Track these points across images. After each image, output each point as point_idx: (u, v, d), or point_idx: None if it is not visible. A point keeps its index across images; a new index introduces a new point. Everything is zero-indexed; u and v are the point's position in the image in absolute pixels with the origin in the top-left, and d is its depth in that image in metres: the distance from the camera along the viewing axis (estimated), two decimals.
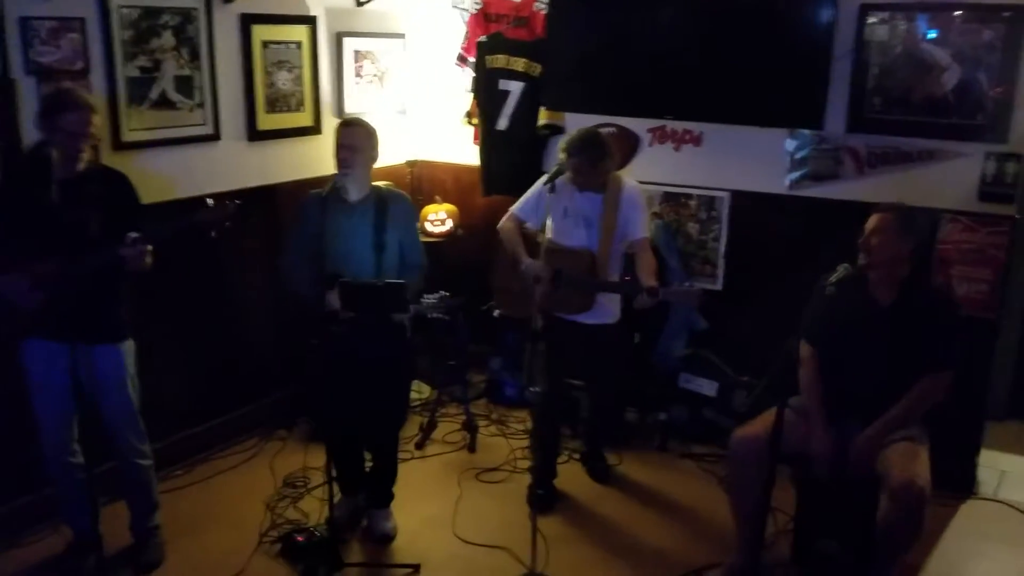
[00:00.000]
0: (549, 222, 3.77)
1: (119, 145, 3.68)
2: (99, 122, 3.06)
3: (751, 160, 4.31)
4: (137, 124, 3.75)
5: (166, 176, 3.88)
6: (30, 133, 3.33)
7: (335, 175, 3.34)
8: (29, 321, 3.01)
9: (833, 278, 2.91)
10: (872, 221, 3.12)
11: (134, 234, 2.96)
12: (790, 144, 4.19)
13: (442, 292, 3.30)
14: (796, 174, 4.20)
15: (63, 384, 3.05)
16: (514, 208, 3.95)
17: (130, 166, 3.61)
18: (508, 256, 3.89)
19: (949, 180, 3.88)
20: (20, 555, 3.43)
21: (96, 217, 2.96)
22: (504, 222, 3.95)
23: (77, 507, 3.27)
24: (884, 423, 3.09)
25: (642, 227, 3.75)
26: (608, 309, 3.82)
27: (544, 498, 3.81)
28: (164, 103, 3.85)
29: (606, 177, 3.73)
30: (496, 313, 4.89)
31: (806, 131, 4.13)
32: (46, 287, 2.96)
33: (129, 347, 3.26)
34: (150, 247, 2.99)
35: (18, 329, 3.04)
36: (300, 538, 3.46)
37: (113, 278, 3.10)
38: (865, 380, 3.15)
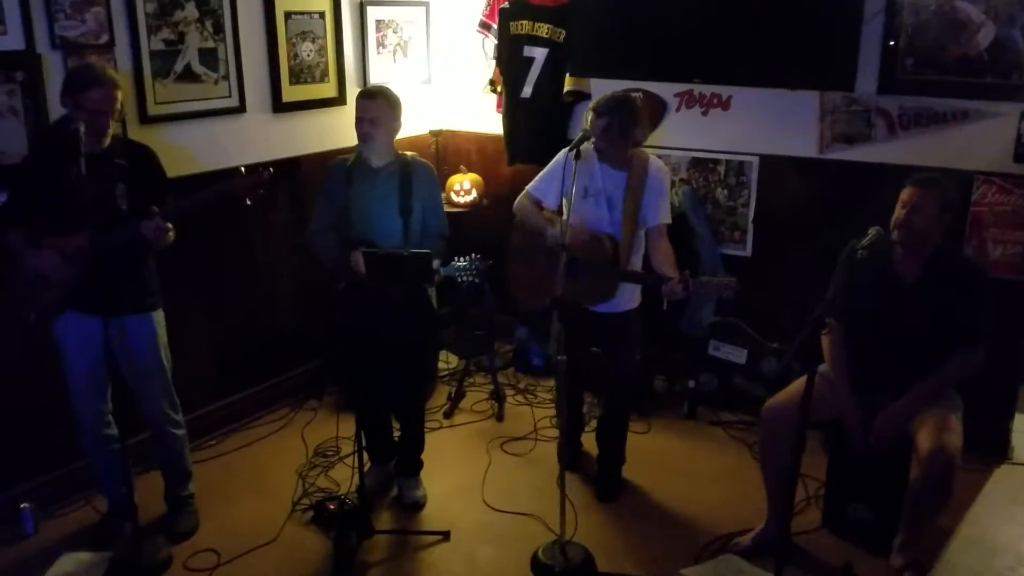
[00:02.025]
0: (566, 202, 3.56)
1: (145, 119, 3.70)
2: (123, 97, 3.07)
3: (780, 123, 4.25)
4: (163, 97, 3.76)
5: (192, 149, 3.89)
6: (56, 108, 3.34)
7: (359, 144, 3.33)
8: (63, 295, 3.05)
9: (865, 242, 2.85)
10: (909, 196, 3.01)
11: (155, 208, 2.98)
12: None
13: (473, 255, 3.28)
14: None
15: (96, 356, 3.09)
16: (530, 187, 3.66)
17: (156, 139, 3.62)
18: (528, 233, 3.61)
19: (983, 141, 3.80)
20: (57, 525, 3.50)
21: (123, 191, 2.98)
22: (520, 199, 3.67)
23: (112, 477, 3.34)
24: (914, 396, 3.05)
25: (662, 213, 3.45)
26: (628, 295, 3.55)
27: (572, 455, 3.84)
28: (189, 76, 3.85)
29: (632, 152, 3.47)
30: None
31: (837, 93, 4.05)
32: (77, 261, 2.99)
33: (160, 316, 3.30)
34: (170, 224, 3.01)
35: (53, 303, 3.07)
36: (332, 506, 3.49)
37: (142, 249, 3.13)
38: (893, 356, 3.11)
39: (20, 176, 3.14)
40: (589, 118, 3.41)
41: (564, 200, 3.58)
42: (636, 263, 3.57)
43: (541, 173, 3.66)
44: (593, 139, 3.40)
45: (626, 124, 3.35)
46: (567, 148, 3.53)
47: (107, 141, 3.04)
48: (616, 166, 3.46)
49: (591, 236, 3.38)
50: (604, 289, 3.46)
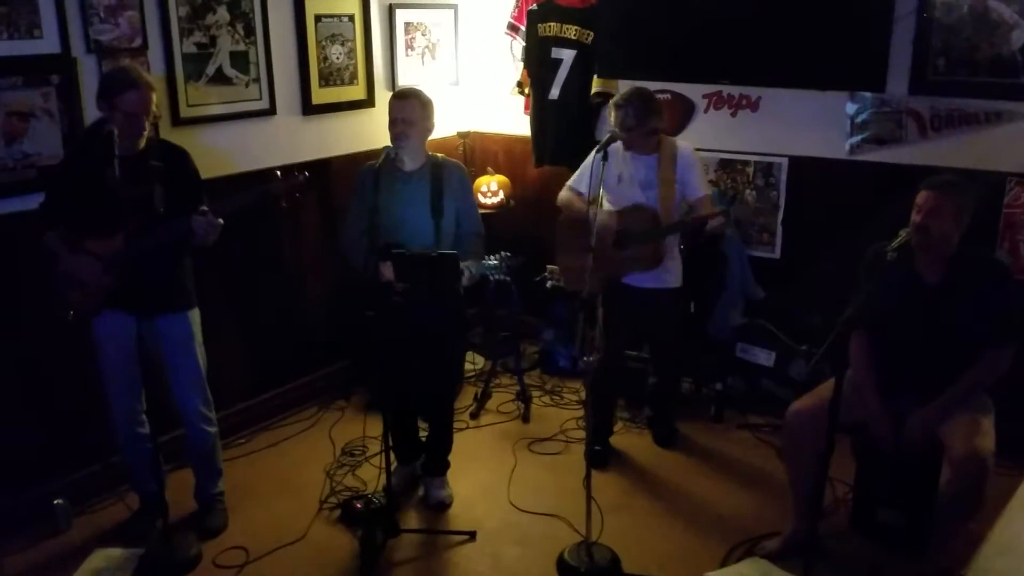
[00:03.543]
0: (603, 192, 3.73)
1: (177, 121, 3.75)
2: (157, 100, 3.11)
3: (810, 125, 4.22)
4: (195, 100, 3.81)
5: (224, 151, 3.94)
6: (91, 111, 3.41)
7: (387, 147, 3.35)
8: (100, 295, 3.09)
9: (894, 244, 2.82)
10: (924, 200, 2.97)
11: (204, 207, 3.02)
12: (850, 107, 4.09)
13: (503, 252, 3.30)
14: (857, 138, 4.10)
15: (132, 354, 3.13)
16: (569, 181, 3.92)
17: (189, 142, 3.67)
18: (571, 225, 3.79)
19: (1016, 142, 3.74)
20: (89, 521, 3.55)
21: (159, 193, 3.03)
22: (561, 193, 3.92)
23: (144, 475, 3.38)
24: (945, 399, 3.01)
25: (700, 185, 3.70)
26: (671, 272, 3.81)
27: (600, 454, 3.91)
28: (220, 79, 3.90)
29: (656, 139, 3.68)
30: (549, 284, 4.91)
31: (867, 94, 4.02)
32: (115, 265, 3.03)
33: (195, 316, 3.34)
34: (220, 220, 3.04)
35: (90, 303, 3.12)
36: (359, 505, 3.52)
37: (179, 250, 3.18)
38: (920, 359, 3.07)
39: (57, 178, 3.20)
40: (611, 113, 3.67)
41: (591, 198, 3.72)
42: (673, 247, 3.79)
43: (580, 168, 3.90)
44: (617, 131, 3.62)
45: (639, 112, 3.59)
46: (597, 148, 3.62)
47: (143, 143, 3.08)
48: (644, 153, 3.70)
49: (632, 206, 3.69)
50: (652, 251, 3.66)
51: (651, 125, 3.62)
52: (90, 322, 3.19)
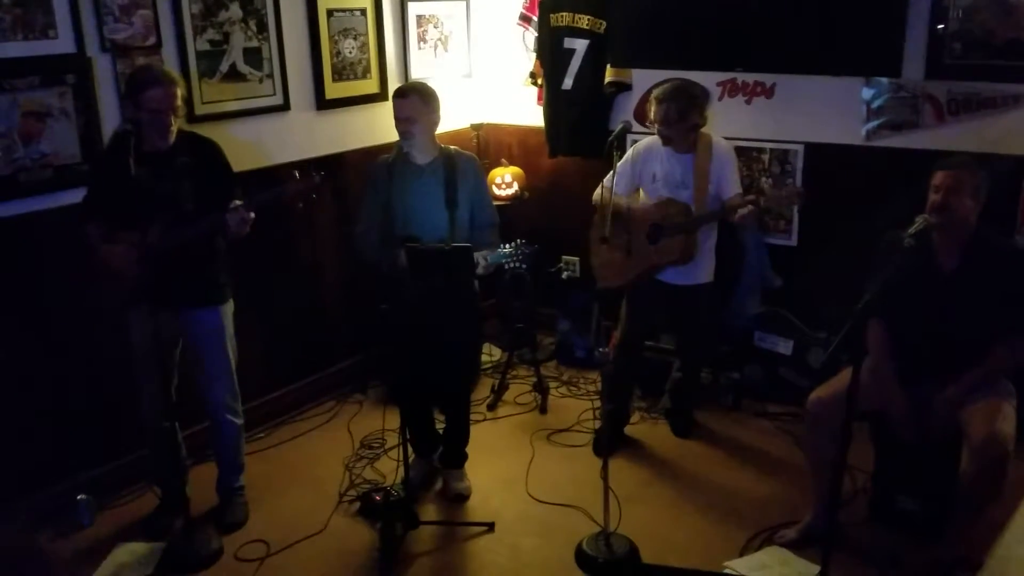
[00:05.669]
0: (641, 191, 3.83)
1: (192, 118, 3.75)
2: (183, 95, 3.13)
3: (825, 111, 4.18)
4: (209, 97, 3.82)
5: (239, 147, 3.93)
6: (107, 110, 3.44)
7: (399, 140, 3.35)
8: (135, 290, 3.12)
9: (912, 230, 2.81)
10: (943, 179, 2.95)
11: (238, 201, 3.05)
12: (866, 93, 4.05)
13: (518, 240, 3.28)
14: (873, 124, 4.06)
15: (164, 350, 3.16)
16: (605, 180, 3.83)
17: None
18: (601, 222, 3.73)
19: None
20: (112, 515, 3.58)
21: (189, 188, 3.05)
22: (596, 191, 3.89)
23: (167, 470, 3.41)
24: (964, 384, 2.99)
25: (734, 184, 3.67)
26: (703, 268, 3.80)
27: (610, 442, 3.86)
28: (234, 75, 3.92)
29: (695, 135, 3.66)
30: (564, 275, 4.91)
31: (883, 79, 3.98)
32: (150, 257, 3.06)
33: (228, 309, 3.38)
34: (252, 214, 3.07)
35: (125, 298, 3.16)
36: (378, 497, 3.53)
37: (212, 243, 3.22)
38: (938, 346, 3.05)
39: (95, 173, 3.27)
40: (652, 108, 3.65)
41: (609, 186, 3.74)
42: (709, 247, 3.80)
43: (615, 169, 3.81)
44: (657, 127, 3.64)
45: (682, 108, 3.58)
46: (610, 139, 3.65)
47: (172, 138, 3.11)
48: (681, 150, 3.68)
49: (663, 200, 3.67)
50: (683, 246, 3.63)
51: (692, 120, 3.62)
52: (124, 315, 3.22)
